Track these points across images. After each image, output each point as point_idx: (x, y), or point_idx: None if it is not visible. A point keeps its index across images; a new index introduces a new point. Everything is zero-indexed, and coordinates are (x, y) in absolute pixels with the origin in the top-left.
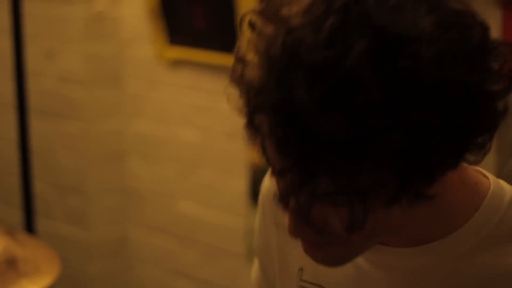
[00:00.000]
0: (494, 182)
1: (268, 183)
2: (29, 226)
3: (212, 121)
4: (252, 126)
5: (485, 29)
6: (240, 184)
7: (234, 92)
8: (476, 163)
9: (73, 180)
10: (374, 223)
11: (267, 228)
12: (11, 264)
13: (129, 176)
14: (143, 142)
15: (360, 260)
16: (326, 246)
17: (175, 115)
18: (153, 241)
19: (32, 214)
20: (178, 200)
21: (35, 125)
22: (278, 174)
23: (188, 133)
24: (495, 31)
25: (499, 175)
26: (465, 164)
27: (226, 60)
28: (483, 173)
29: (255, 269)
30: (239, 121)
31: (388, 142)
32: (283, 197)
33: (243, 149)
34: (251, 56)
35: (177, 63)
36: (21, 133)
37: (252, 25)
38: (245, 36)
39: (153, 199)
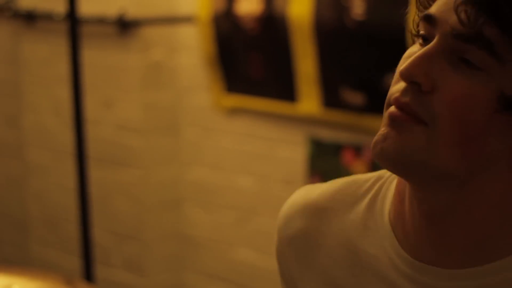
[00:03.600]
0: None
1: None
2: (88, 274)
3: (269, 168)
4: None
5: None
6: None
7: None
8: None
9: (131, 228)
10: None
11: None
12: None
13: (186, 223)
14: (200, 189)
15: (402, 282)
16: (408, 129)
17: (232, 162)
18: None
19: (91, 262)
20: (235, 247)
21: (94, 173)
22: None
23: (245, 181)
24: None
25: None
26: None
27: (283, 108)
28: None
29: None
30: (296, 169)
31: None
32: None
33: None
34: None
35: (234, 111)
36: (80, 181)
37: None
38: None
39: (210, 246)
